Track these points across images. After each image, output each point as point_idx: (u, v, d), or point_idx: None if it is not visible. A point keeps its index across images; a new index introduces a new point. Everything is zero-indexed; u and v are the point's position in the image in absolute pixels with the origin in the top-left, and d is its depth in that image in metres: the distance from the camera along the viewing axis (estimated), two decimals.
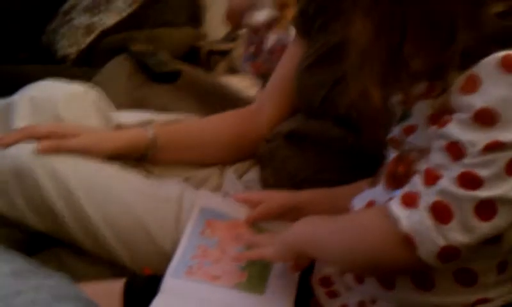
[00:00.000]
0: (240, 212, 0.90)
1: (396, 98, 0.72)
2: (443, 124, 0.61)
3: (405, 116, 0.70)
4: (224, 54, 2.56)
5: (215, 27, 2.82)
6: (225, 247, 0.86)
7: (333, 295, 0.75)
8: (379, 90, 0.64)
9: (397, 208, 0.62)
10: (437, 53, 0.61)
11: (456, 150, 0.58)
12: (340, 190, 0.87)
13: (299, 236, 0.74)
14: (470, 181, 0.57)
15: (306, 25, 1.06)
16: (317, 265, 0.78)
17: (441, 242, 0.58)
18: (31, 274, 0.60)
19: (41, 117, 1.02)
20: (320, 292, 0.76)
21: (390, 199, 0.67)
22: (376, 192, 0.73)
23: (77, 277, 0.81)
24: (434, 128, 0.63)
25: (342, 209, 0.78)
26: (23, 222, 0.93)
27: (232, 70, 2.27)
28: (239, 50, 2.20)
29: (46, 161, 0.92)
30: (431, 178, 0.60)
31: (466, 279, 0.65)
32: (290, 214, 0.87)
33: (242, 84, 1.77)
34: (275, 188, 1.01)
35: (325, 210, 0.85)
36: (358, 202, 0.75)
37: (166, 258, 0.89)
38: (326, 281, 0.77)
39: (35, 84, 1.08)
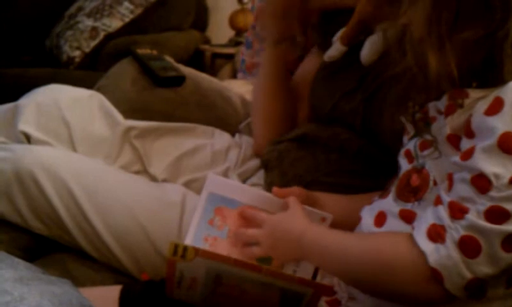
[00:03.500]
0: (252, 196, 0.84)
1: (405, 118, 0.72)
2: (467, 155, 0.60)
3: (421, 132, 0.70)
4: (228, 57, 2.57)
5: (219, 31, 2.83)
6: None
7: (335, 304, 0.75)
8: (437, 57, 0.62)
9: (423, 242, 0.61)
10: (488, 24, 0.59)
11: (481, 183, 0.58)
12: (355, 197, 0.86)
13: (316, 248, 0.73)
14: (497, 215, 0.57)
15: (326, 41, 1.08)
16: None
17: (469, 276, 0.59)
18: (35, 281, 0.59)
19: (47, 121, 1.02)
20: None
21: (401, 211, 0.67)
22: (386, 203, 0.72)
23: (80, 283, 0.81)
24: (454, 155, 0.62)
25: (355, 214, 0.78)
26: (26, 226, 0.93)
27: (236, 74, 2.27)
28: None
29: (48, 166, 0.92)
30: (457, 212, 0.60)
31: (476, 292, 0.64)
32: None
33: (245, 88, 1.77)
34: None
35: (339, 214, 0.84)
36: (367, 212, 0.75)
37: None
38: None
39: (41, 88, 1.09)
